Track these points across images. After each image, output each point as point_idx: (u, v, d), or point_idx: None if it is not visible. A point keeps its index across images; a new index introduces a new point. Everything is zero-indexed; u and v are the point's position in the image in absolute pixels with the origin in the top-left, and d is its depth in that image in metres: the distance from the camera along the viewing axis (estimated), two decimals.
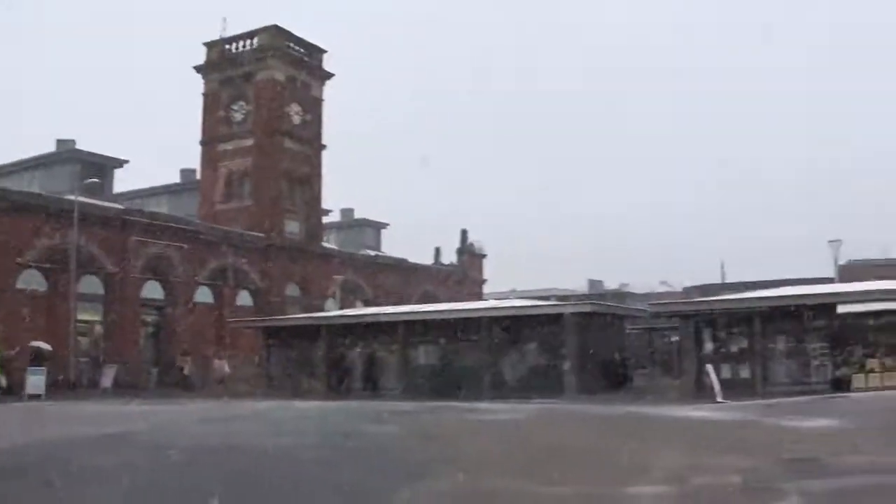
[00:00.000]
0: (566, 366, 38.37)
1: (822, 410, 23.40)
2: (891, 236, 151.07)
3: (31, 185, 53.14)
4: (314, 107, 63.55)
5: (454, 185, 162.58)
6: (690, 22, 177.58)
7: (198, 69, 63.03)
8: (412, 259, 73.93)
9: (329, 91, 64.97)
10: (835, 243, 54.86)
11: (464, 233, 79.48)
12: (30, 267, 44.57)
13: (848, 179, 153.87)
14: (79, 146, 56.54)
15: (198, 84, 63.26)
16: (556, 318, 40.29)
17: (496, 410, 27.39)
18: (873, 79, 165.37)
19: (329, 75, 64.74)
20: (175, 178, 70.64)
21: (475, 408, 28.62)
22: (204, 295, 54.63)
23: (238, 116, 61.52)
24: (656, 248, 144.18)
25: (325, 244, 66.16)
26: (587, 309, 42.14)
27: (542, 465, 14.46)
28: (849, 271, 63.95)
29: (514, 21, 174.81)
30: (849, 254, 76.69)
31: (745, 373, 36.68)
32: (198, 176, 64.37)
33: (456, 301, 60.39)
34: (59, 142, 58.18)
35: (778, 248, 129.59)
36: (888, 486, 11.63)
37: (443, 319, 42.88)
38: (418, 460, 15.25)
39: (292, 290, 60.69)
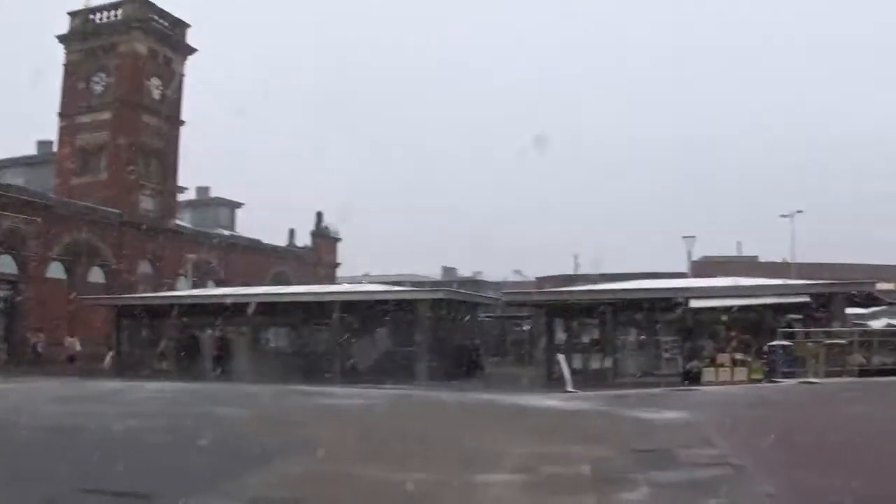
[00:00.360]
0: (418, 352, 38.15)
1: (672, 403, 23.63)
2: (743, 234, 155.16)
3: None
4: (175, 82, 61.95)
5: (311, 168, 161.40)
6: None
7: (60, 38, 60.73)
8: (266, 240, 72.89)
9: (190, 67, 63.58)
10: (688, 239, 55.85)
11: (319, 215, 78.65)
12: None
13: (705, 178, 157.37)
14: None
15: (60, 54, 61.04)
16: (410, 305, 40.03)
17: (347, 395, 27.05)
18: (738, 78, 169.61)
19: (192, 50, 63.28)
20: (32, 151, 68.15)
21: (326, 392, 28.24)
22: (57, 270, 52.71)
23: (98, 89, 59.52)
24: (511, 237, 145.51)
25: (179, 222, 64.75)
26: (440, 296, 42.00)
27: (393, 451, 14.33)
28: (702, 267, 65.30)
29: (379, 7, 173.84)
30: (702, 250, 78.45)
31: (596, 363, 37.04)
32: (55, 148, 62.21)
33: (309, 284, 59.74)
34: None
35: (633, 242, 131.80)
36: (736, 478, 11.59)
37: (295, 302, 42.26)
38: (268, 444, 14.94)
39: (145, 267, 59.26)
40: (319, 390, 28.96)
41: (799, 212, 74.18)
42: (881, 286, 52.32)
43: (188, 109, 62.89)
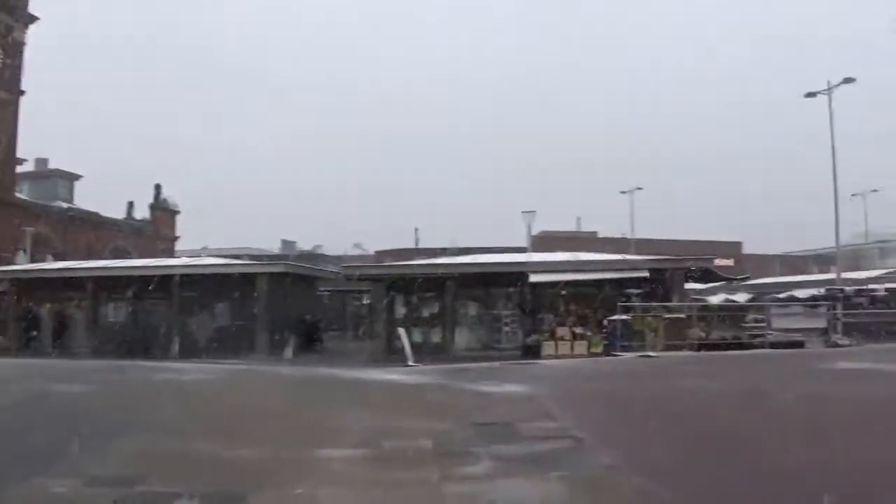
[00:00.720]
0: (258, 326, 37.63)
1: (512, 376, 23.61)
2: (582, 209, 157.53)
3: None
4: (15, 51, 59.49)
5: (150, 140, 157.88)
6: None
7: None
8: (105, 213, 70.85)
9: (32, 36, 61.09)
10: (528, 214, 56.32)
11: (157, 188, 76.61)
12: None
13: (546, 155, 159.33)
14: None
15: None
16: (249, 278, 39.45)
17: (187, 371, 26.35)
18: (577, 55, 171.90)
19: (34, 19, 60.79)
20: None
21: (165, 367, 27.51)
22: None
23: None
24: (352, 211, 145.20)
25: (17, 194, 62.36)
26: (280, 269, 41.48)
27: (234, 427, 13.95)
28: (542, 242, 65.96)
29: None
30: (543, 226, 79.39)
31: (436, 337, 37.00)
32: None
33: (148, 257, 58.21)
34: None
35: (475, 218, 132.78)
36: (577, 450, 11.56)
37: (134, 276, 41.08)
38: (107, 422, 14.42)
39: None
40: (159, 366, 28.20)
41: (638, 188, 75.73)
42: (719, 262, 53.70)
43: (31, 79, 60.64)
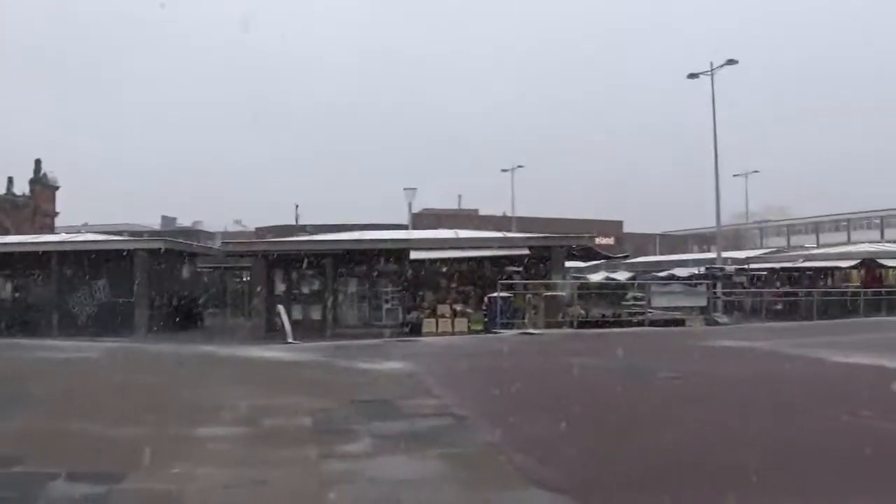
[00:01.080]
0: (138, 304, 37.02)
1: (393, 353, 23.56)
2: (463, 187, 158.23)
3: None
4: None
5: (30, 114, 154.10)
6: None
7: None
8: None
9: None
10: (409, 191, 56.16)
11: (37, 163, 74.59)
12: None
13: (428, 132, 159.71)
14: None
15: None
16: (128, 255, 38.65)
17: (65, 349, 25.76)
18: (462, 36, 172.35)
19: None
20: None
21: (43, 345, 26.91)
22: None
23: None
24: (232, 187, 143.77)
25: None
26: (159, 245, 40.77)
27: (112, 405, 13.58)
28: (423, 219, 65.97)
29: None
30: (425, 203, 79.47)
31: (316, 314, 36.83)
32: None
33: (26, 234, 56.79)
34: None
35: (357, 195, 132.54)
36: (458, 427, 11.55)
37: (11, 253, 39.97)
38: None
39: None
40: (37, 343, 27.65)
41: (520, 166, 76.33)
42: (600, 240, 54.33)
43: None
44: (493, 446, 10.13)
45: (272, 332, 33.51)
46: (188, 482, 8.47)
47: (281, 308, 33.53)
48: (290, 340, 30.12)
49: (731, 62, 47.08)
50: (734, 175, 75.56)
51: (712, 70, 47.26)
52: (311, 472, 8.77)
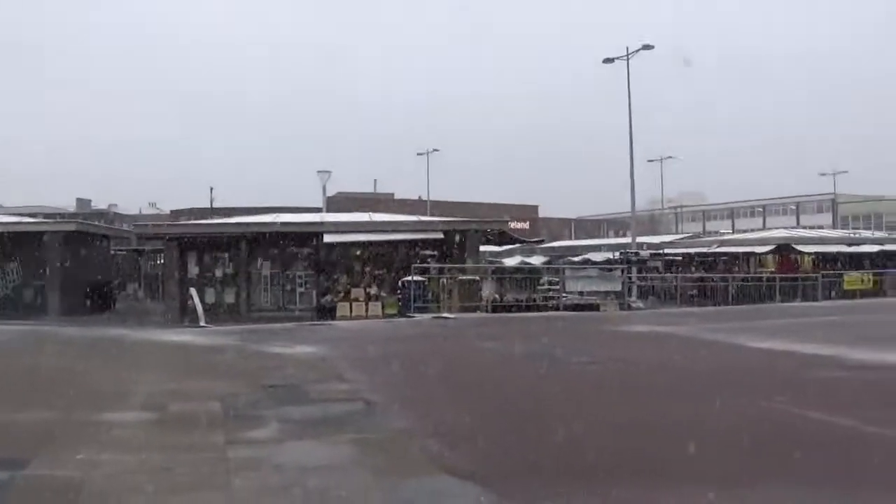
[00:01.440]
0: (50, 286, 36.52)
1: (305, 337, 23.51)
2: (379, 171, 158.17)
3: None
4: None
5: None
6: None
7: None
8: None
9: None
10: (323, 174, 55.80)
11: None
12: None
13: (344, 116, 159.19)
14: None
15: None
16: (41, 237, 38.07)
17: None
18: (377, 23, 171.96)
19: None
20: None
21: None
22: None
23: None
24: (147, 170, 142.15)
25: None
26: (72, 228, 40.35)
27: (17, 389, 13.48)
28: (338, 202, 65.64)
29: None
30: (340, 187, 79.16)
31: (230, 297, 36.59)
32: None
33: None
34: None
35: (272, 178, 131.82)
36: (368, 413, 11.49)
37: None
38: None
39: None
40: None
41: (435, 150, 76.24)
42: (514, 225, 54.53)
43: None
44: (403, 432, 10.10)
45: (185, 316, 33.18)
46: (93, 468, 8.31)
47: (193, 291, 33.20)
48: (202, 324, 29.90)
49: (647, 47, 47.26)
50: (649, 160, 76.12)
51: (628, 55, 47.49)
52: (218, 459, 8.65)
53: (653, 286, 44.52)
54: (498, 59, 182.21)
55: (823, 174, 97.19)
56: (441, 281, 34.34)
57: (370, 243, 36.05)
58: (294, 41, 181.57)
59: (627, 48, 47.67)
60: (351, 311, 33.44)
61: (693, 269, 52.04)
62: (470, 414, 11.31)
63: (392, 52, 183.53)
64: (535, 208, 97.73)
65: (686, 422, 10.31)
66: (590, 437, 9.55)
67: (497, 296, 36.25)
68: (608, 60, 48.44)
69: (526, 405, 12.05)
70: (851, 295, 45.56)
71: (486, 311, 33.69)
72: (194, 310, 31.78)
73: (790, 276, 47.65)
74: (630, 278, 41.44)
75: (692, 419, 10.50)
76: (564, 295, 37.64)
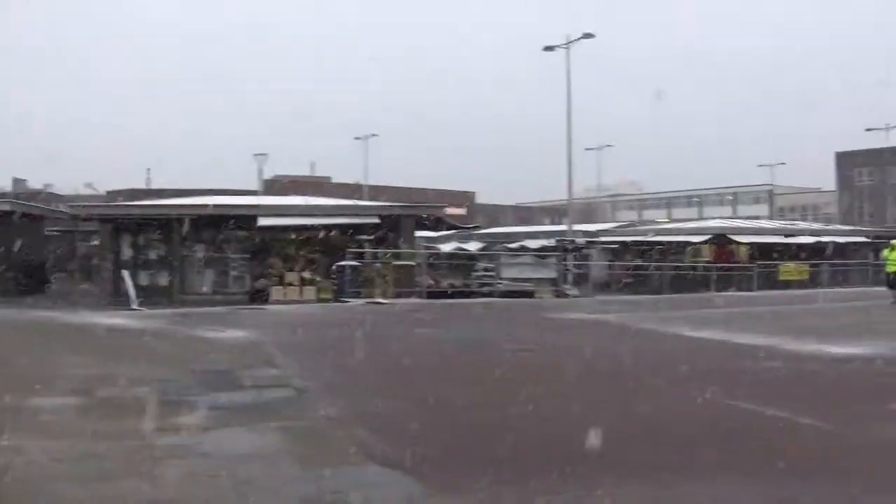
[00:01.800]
0: None
1: (238, 322, 23.43)
2: (315, 153, 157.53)
3: None
4: None
5: None
6: None
7: None
8: None
9: None
10: (260, 157, 55.61)
11: None
12: None
13: (282, 99, 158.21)
14: None
15: None
16: None
17: None
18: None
19: None
20: None
21: None
22: None
23: None
24: (84, 150, 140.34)
25: None
26: (6, 207, 39.58)
27: None
28: (274, 186, 65.29)
29: None
30: (278, 170, 78.79)
31: (164, 280, 36.29)
32: None
33: None
34: None
35: (208, 160, 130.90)
36: (298, 400, 11.48)
37: None
38: None
39: None
40: None
41: (373, 135, 76.10)
42: (451, 211, 54.54)
43: None
44: (333, 420, 10.05)
45: (118, 298, 32.83)
46: (15, 455, 8.19)
47: (126, 273, 32.89)
48: (134, 307, 29.62)
49: (587, 36, 47.26)
50: (587, 149, 76.54)
51: (568, 43, 47.52)
52: (145, 446, 8.58)
53: (588, 274, 44.76)
54: (439, 46, 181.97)
55: (762, 165, 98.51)
56: (376, 266, 34.33)
57: (305, 227, 35.89)
58: (231, 20, 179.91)
59: (568, 36, 47.75)
60: (285, 296, 33.28)
61: (629, 257, 52.39)
62: (401, 401, 11.35)
63: (333, 38, 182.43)
64: (472, 194, 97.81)
65: (616, 411, 10.38)
66: (521, 426, 9.57)
67: (432, 281, 36.30)
68: (549, 48, 48.45)
69: (457, 393, 12.07)
70: (786, 286, 46.17)
71: (421, 297, 33.72)
72: (127, 293, 31.50)
73: (726, 266, 48.14)
74: (565, 265, 41.65)
75: (623, 408, 10.57)
76: (500, 281, 37.77)
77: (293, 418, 10.11)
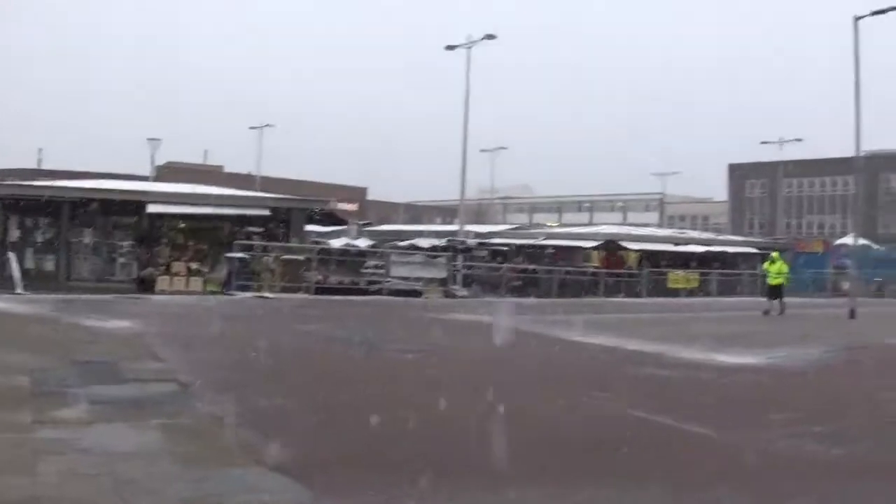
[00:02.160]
0: None
1: (122, 311, 23.09)
2: (209, 141, 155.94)
3: None
4: None
5: None
6: None
7: None
8: None
9: None
10: (153, 142, 54.79)
11: None
12: None
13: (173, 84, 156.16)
14: None
15: None
16: None
17: None
18: None
19: None
20: None
21: None
22: None
23: None
24: None
25: None
26: None
27: None
28: (166, 173, 64.36)
29: None
30: (171, 156, 77.73)
31: (50, 265, 35.62)
32: None
33: None
34: None
35: (101, 143, 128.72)
36: (182, 395, 11.32)
37: None
38: None
39: None
40: None
41: (268, 125, 75.44)
42: (342, 206, 54.37)
43: None
44: (217, 418, 9.92)
45: (2, 281, 32.12)
46: None
47: (11, 256, 32.18)
48: (18, 291, 29.04)
49: (489, 37, 47.36)
50: (481, 150, 76.85)
51: (469, 43, 47.65)
52: (22, 441, 8.37)
53: (478, 275, 44.96)
54: (345, 39, 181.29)
55: (655, 174, 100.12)
56: (265, 259, 34.10)
57: (195, 216, 35.53)
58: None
59: (470, 36, 47.93)
60: (171, 285, 32.88)
61: (519, 259, 52.72)
62: (285, 400, 11.28)
63: (227, 28, 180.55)
64: (363, 190, 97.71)
65: (501, 416, 10.40)
66: (405, 429, 9.58)
67: (320, 277, 36.16)
68: (450, 48, 48.55)
69: (343, 394, 12.03)
70: (675, 293, 46.99)
71: (309, 293, 33.59)
72: (11, 275, 30.86)
73: (615, 271, 48.79)
74: (455, 266, 41.82)
75: (508, 413, 10.58)
76: (389, 280, 37.78)
77: (177, 415, 9.96)
